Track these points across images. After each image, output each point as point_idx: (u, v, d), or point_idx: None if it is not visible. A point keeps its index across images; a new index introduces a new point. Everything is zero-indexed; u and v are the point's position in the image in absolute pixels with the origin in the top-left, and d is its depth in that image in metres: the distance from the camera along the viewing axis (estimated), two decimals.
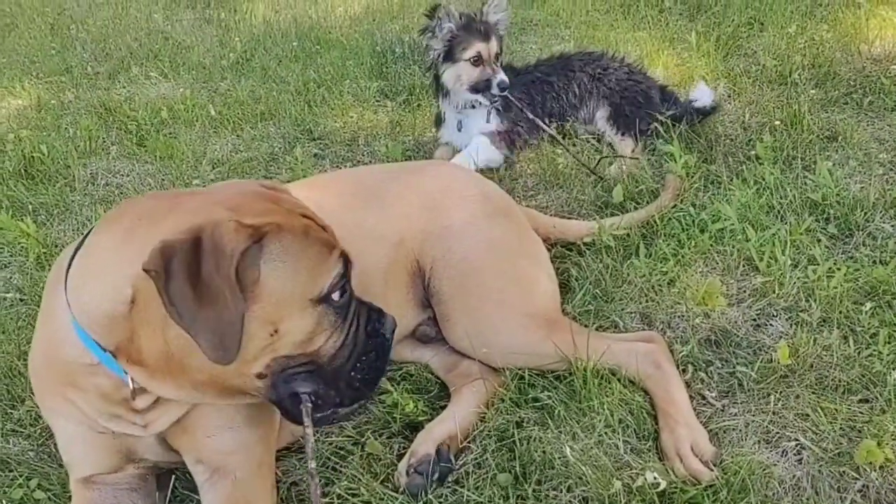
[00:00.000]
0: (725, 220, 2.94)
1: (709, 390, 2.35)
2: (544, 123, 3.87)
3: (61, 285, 1.81)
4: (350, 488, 2.11)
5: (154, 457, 1.96)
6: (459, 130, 3.88)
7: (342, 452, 2.25)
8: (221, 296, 1.57)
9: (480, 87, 3.73)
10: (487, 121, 3.82)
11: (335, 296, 1.75)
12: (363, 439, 2.26)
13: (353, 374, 1.82)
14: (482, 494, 2.03)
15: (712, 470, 2.05)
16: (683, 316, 2.61)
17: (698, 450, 2.11)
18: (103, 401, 1.83)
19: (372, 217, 2.48)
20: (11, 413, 2.45)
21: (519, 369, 2.36)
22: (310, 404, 1.81)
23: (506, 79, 3.68)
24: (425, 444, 2.15)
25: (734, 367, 2.39)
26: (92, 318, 1.70)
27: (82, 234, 1.93)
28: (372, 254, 2.43)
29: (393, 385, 2.39)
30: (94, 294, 1.70)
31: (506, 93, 3.70)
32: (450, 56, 3.76)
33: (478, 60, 3.72)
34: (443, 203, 2.57)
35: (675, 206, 3.11)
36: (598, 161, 3.63)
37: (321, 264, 1.73)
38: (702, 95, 3.73)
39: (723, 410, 2.29)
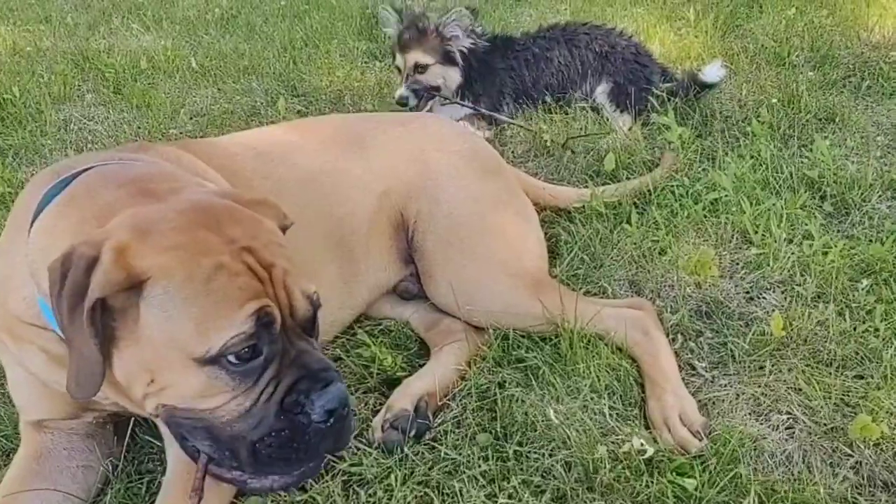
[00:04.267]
0: (721, 190, 2.85)
1: (698, 360, 2.27)
2: (535, 99, 3.85)
3: (25, 230, 1.69)
4: None
5: (113, 408, 1.82)
6: (431, 110, 3.80)
7: None
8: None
9: None
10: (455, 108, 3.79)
11: (232, 358, 1.48)
12: None
13: (257, 446, 1.54)
14: (461, 453, 1.93)
15: (701, 440, 1.97)
16: (674, 285, 2.52)
17: (687, 419, 2.02)
18: (52, 363, 1.71)
19: (356, 165, 2.37)
20: None
21: (503, 328, 2.26)
22: (205, 466, 1.62)
23: (404, 94, 3.69)
24: (403, 399, 2.05)
25: (726, 338, 2.30)
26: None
27: None
28: (355, 203, 2.32)
29: (371, 339, 2.28)
30: None
31: (406, 107, 3.70)
32: (393, 57, 3.84)
33: (398, 69, 3.76)
34: (430, 156, 2.46)
35: (669, 176, 3.02)
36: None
37: (216, 320, 1.46)
38: (711, 71, 3.61)
39: (712, 381, 2.20)
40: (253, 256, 1.53)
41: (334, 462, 1.89)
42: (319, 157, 2.33)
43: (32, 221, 1.69)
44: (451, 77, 3.72)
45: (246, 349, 1.49)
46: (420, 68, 3.67)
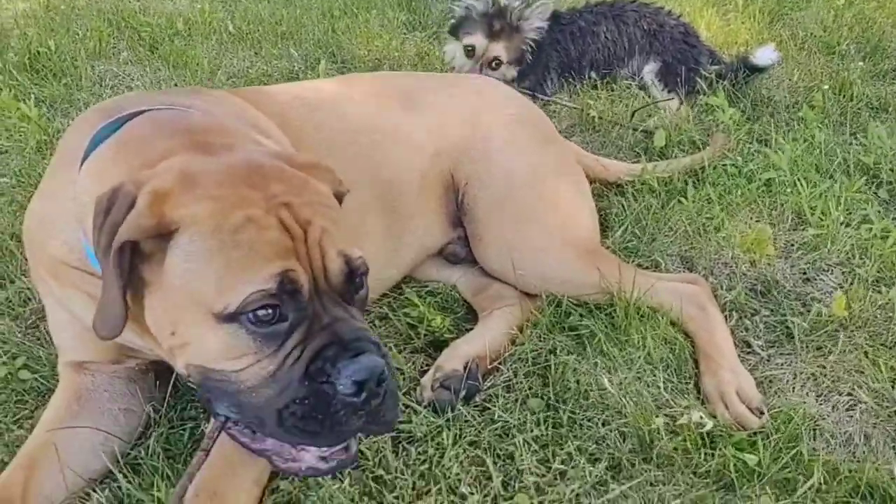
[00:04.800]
0: (775, 170, 2.77)
1: (754, 338, 2.20)
2: (583, 74, 3.74)
3: (73, 172, 1.62)
4: None
5: (154, 356, 1.73)
6: None
7: None
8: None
9: None
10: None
11: (252, 317, 1.37)
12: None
13: (282, 414, 1.42)
14: (512, 416, 1.86)
15: (761, 416, 1.90)
16: (728, 262, 2.45)
17: (744, 395, 1.95)
18: None
19: (408, 123, 2.30)
20: None
21: (556, 295, 2.19)
22: (220, 428, 1.55)
23: None
24: (452, 360, 1.98)
25: (784, 317, 2.23)
26: None
27: None
28: (407, 161, 2.24)
29: (419, 300, 2.21)
30: None
31: None
32: (456, 30, 3.62)
33: (471, 52, 3.57)
34: (484, 119, 2.39)
35: (721, 155, 2.94)
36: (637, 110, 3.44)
37: (239, 274, 1.36)
38: (764, 53, 3.51)
39: (768, 360, 2.13)
40: (289, 212, 1.43)
41: None
42: (371, 112, 2.26)
43: (81, 163, 1.62)
44: (510, 74, 3.62)
45: (268, 310, 1.38)
46: (496, 63, 3.57)
